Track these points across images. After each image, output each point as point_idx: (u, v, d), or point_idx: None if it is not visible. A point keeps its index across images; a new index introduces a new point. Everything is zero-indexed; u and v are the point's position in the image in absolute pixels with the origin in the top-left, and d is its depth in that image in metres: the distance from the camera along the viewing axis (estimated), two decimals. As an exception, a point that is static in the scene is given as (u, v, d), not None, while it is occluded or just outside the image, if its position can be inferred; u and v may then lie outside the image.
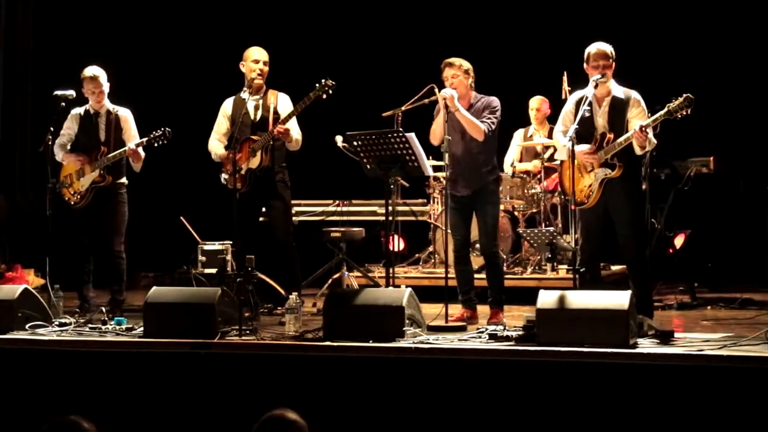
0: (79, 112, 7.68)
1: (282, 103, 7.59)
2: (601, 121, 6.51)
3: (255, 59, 7.52)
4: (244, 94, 7.55)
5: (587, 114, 6.44)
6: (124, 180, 7.65)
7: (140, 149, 7.47)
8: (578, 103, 6.51)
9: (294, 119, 7.45)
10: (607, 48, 6.45)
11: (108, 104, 7.65)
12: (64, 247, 7.59)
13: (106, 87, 7.59)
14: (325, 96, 7.19)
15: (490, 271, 7.11)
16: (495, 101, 6.96)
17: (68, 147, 7.67)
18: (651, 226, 8.36)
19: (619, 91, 6.51)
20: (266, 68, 7.55)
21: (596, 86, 6.39)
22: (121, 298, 7.57)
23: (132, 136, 7.58)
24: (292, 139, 7.43)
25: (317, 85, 7.19)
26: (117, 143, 7.54)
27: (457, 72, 6.86)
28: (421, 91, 6.92)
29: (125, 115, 7.64)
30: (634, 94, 6.50)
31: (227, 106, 7.68)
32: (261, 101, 7.57)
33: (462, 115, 6.80)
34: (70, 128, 7.68)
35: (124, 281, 7.64)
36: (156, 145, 7.41)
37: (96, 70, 7.56)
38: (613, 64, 6.45)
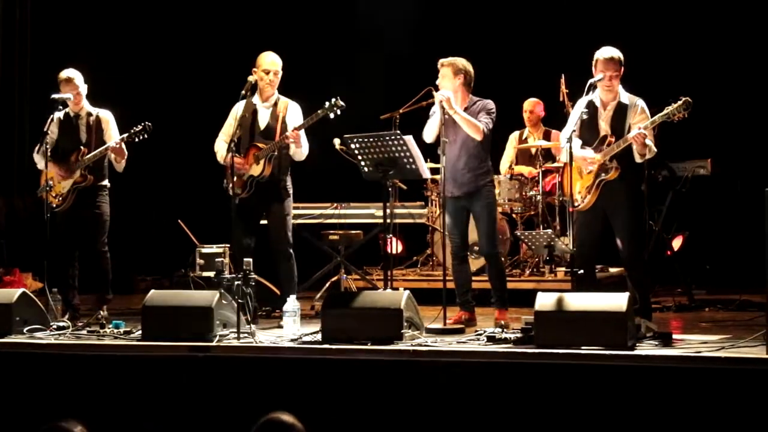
0: (59, 115, 7.66)
1: (292, 112, 7.54)
2: (604, 124, 6.55)
3: (265, 69, 7.45)
4: (256, 100, 7.53)
5: (585, 117, 6.45)
6: (105, 182, 7.66)
7: (123, 146, 7.45)
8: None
9: (302, 131, 7.43)
10: (613, 55, 6.45)
11: (87, 106, 7.66)
12: (56, 252, 7.58)
13: (82, 89, 7.60)
14: (333, 115, 7.17)
15: (492, 271, 7.11)
16: (491, 104, 6.99)
17: (49, 152, 7.60)
18: (649, 228, 8.37)
19: (625, 96, 6.54)
20: (276, 78, 7.48)
21: (594, 88, 6.39)
22: (108, 296, 7.56)
23: (113, 137, 7.57)
24: (302, 145, 7.40)
25: (327, 103, 7.16)
26: (98, 144, 7.54)
27: (446, 72, 6.89)
28: (419, 93, 6.93)
29: (106, 116, 7.65)
30: (640, 101, 6.52)
31: (238, 109, 7.62)
32: (271, 109, 7.54)
33: (460, 116, 6.81)
34: (51, 132, 7.65)
35: (110, 279, 7.61)
36: (137, 140, 7.40)
37: (70, 72, 7.58)
38: (622, 69, 6.46)
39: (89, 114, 7.64)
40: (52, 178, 7.55)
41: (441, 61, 6.95)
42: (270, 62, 7.48)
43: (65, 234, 7.59)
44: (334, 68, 10.37)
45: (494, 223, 7.12)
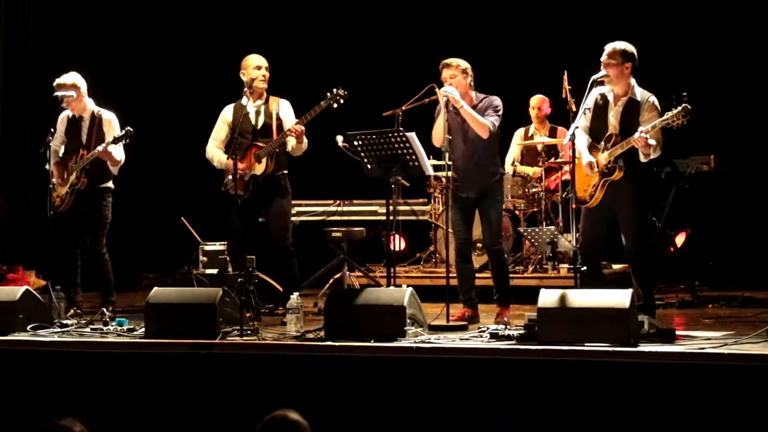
0: (67, 114, 7.69)
1: (284, 109, 7.57)
2: (613, 120, 6.48)
3: (257, 65, 7.49)
4: (245, 101, 7.53)
5: (587, 113, 6.44)
6: (108, 184, 7.64)
7: (114, 151, 7.44)
8: (597, 100, 6.51)
9: None
10: (615, 47, 6.41)
11: (91, 106, 7.65)
12: (58, 250, 7.60)
13: (77, 93, 7.54)
14: (336, 105, 7.15)
15: (495, 268, 7.10)
16: (497, 100, 6.97)
17: (60, 151, 7.66)
18: (652, 225, 8.36)
19: (638, 93, 6.44)
20: (268, 74, 7.53)
21: (596, 84, 6.36)
22: (111, 298, 7.56)
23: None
24: (303, 141, 7.40)
25: (328, 94, 7.15)
26: (97, 146, 7.51)
27: (455, 72, 6.87)
28: (421, 90, 6.91)
29: (108, 117, 7.64)
30: (652, 98, 6.42)
31: (227, 113, 7.64)
32: (263, 108, 7.55)
33: (466, 112, 6.80)
34: (60, 131, 7.69)
35: (112, 281, 7.62)
36: (121, 144, 7.40)
37: (64, 78, 7.56)
38: (627, 64, 6.37)
39: (93, 115, 7.62)
40: (58, 179, 7.58)
41: (447, 61, 6.89)
42: (260, 59, 7.52)
43: (67, 233, 7.60)
44: (334, 66, 10.37)
45: (500, 220, 7.13)
